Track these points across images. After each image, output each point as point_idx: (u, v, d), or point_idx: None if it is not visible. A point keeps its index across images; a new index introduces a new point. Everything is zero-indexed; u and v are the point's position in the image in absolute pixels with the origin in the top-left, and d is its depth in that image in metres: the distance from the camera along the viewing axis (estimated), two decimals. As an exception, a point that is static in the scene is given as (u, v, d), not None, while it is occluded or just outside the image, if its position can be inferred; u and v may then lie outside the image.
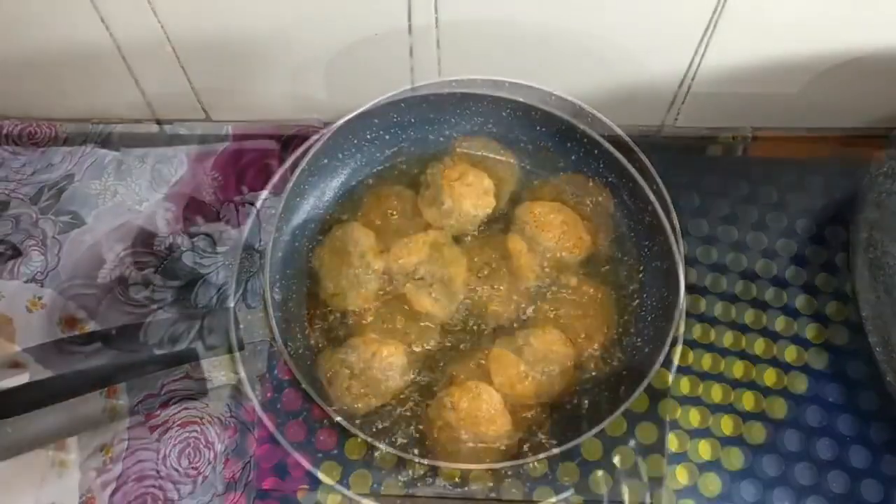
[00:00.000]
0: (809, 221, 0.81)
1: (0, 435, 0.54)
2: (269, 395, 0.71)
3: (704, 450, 0.70)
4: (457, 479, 0.67)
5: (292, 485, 0.69)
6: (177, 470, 0.71)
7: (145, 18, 0.73)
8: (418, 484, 0.66)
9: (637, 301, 0.73)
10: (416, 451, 0.68)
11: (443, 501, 0.67)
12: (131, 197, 0.82)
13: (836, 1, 0.71)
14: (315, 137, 0.73)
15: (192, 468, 0.71)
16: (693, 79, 0.81)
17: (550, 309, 0.73)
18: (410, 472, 0.67)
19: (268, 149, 0.85)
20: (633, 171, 0.72)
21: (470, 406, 0.66)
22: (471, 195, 0.74)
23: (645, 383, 0.65)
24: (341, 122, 0.73)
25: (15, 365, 0.75)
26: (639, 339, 0.72)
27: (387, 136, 0.78)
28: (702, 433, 0.70)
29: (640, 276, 0.74)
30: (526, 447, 0.68)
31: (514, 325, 0.72)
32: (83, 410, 0.58)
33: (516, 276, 0.73)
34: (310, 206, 0.77)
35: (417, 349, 0.72)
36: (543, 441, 0.68)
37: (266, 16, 0.74)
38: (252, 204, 0.79)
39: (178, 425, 0.72)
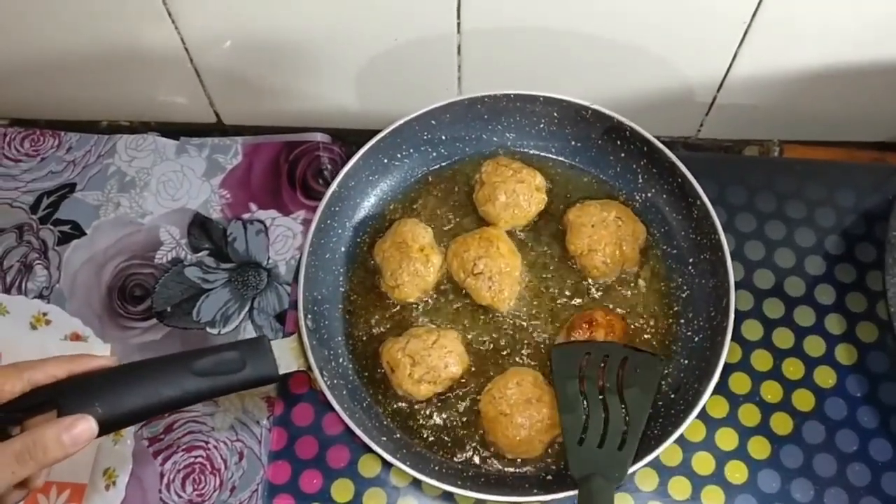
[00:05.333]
0: (840, 237, 0.81)
1: (90, 413, 0.56)
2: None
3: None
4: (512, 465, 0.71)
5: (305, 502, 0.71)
6: (180, 496, 0.72)
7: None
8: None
9: (687, 292, 0.76)
10: (476, 441, 0.72)
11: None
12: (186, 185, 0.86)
13: (868, 11, 0.72)
14: (377, 137, 0.77)
15: (197, 495, 0.72)
16: (719, 90, 0.82)
17: (607, 301, 0.76)
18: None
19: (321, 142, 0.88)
20: (682, 167, 0.75)
21: (516, 391, 0.70)
22: (524, 191, 0.77)
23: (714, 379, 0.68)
24: (399, 122, 0.77)
25: (76, 338, 0.77)
26: (689, 331, 0.75)
27: (443, 137, 0.81)
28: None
29: (690, 268, 0.77)
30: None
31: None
32: (167, 392, 0.61)
33: (578, 273, 0.77)
34: (370, 204, 0.81)
35: (475, 339, 0.75)
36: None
37: (319, 14, 0.76)
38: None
39: (182, 449, 0.74)
